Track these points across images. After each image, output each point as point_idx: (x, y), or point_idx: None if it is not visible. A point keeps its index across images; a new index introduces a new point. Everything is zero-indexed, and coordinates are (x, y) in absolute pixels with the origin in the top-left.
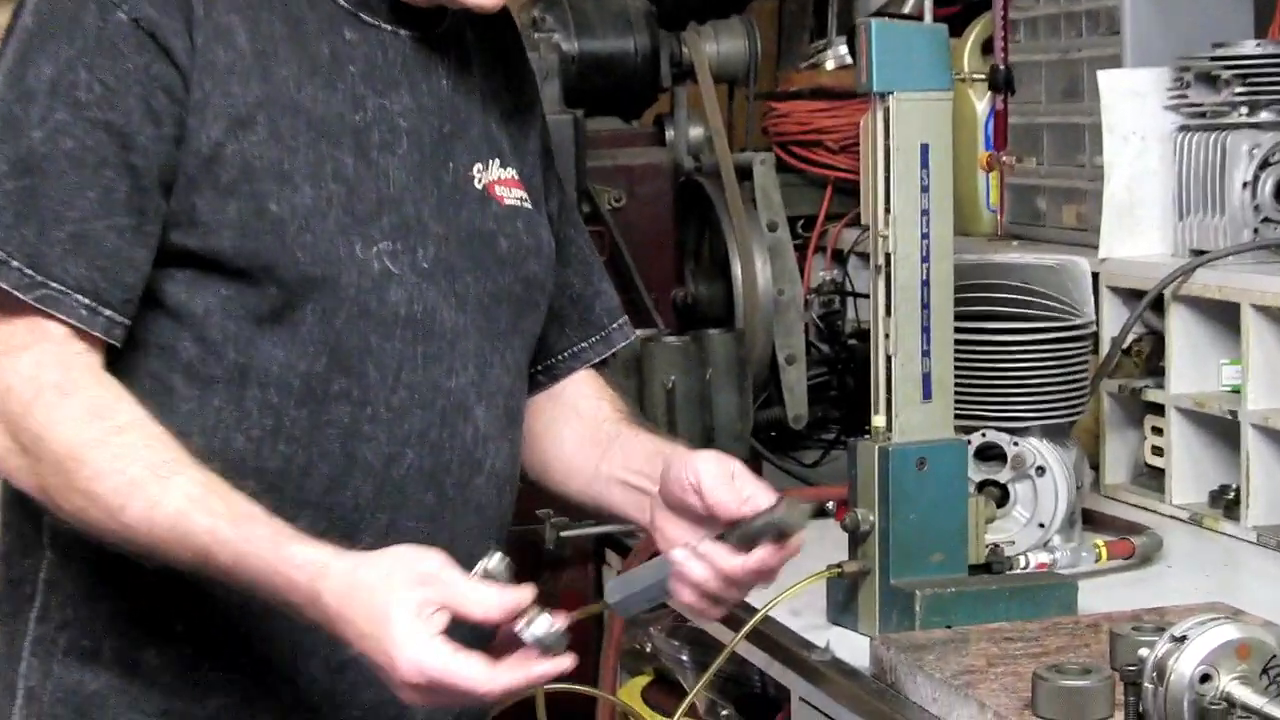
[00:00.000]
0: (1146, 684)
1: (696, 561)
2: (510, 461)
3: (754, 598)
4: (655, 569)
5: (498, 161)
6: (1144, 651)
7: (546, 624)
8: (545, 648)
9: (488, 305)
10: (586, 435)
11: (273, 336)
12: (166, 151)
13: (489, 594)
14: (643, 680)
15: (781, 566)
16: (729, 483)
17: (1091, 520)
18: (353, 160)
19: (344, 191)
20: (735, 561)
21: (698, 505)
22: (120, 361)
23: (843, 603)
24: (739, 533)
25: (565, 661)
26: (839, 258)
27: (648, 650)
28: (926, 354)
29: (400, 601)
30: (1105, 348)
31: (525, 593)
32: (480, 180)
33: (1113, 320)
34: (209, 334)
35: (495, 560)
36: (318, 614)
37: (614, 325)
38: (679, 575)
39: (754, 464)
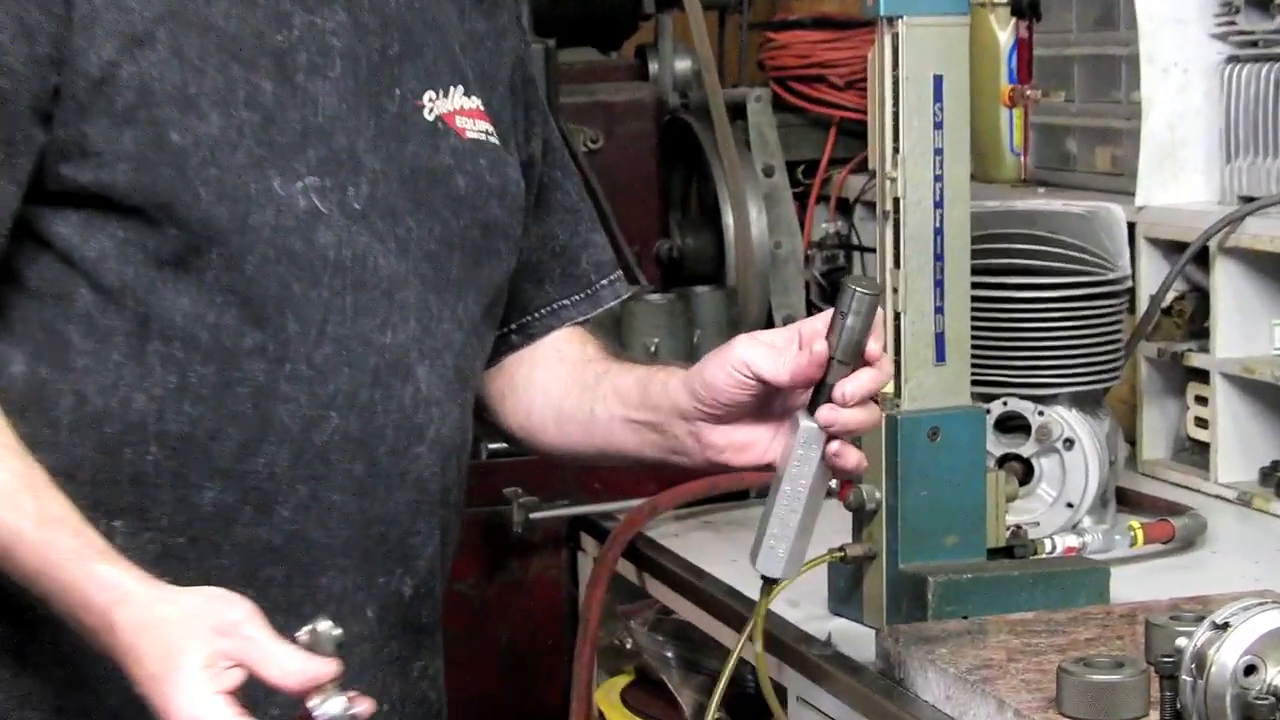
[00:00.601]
0: (1184, 677)
1: (841, 411)
2: (459, 430)
3: (746, 587)
4: (793, 482)
5: (460, 89)
6: (1182, 641)
7: (340, 706)
8: None
9: (435, 251)
10: (573, 379)
11: (176, 284)
12: (42, 75)
13: (291, 659)
14: (622, 681)
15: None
16: (777, 352)
17: (1126, 500)
18: (272, 85)
19: (259, 120)
20: (863, 380)
21: (758, 392)
22: (12, 310)
23: (846, 591)
24: (842, 350)
25: None
26: (844, 208)
27: (628, 647)
28: (940, 311)
29: (194, 649)
30: (1142, 306)
31: (331, 666)
32: (432, 110)
33: (1151, 275)
34: (106, 281)
35: (324, 626)
36: (108, 643)
37: (602, 281)
38: (836, 447)
39: None
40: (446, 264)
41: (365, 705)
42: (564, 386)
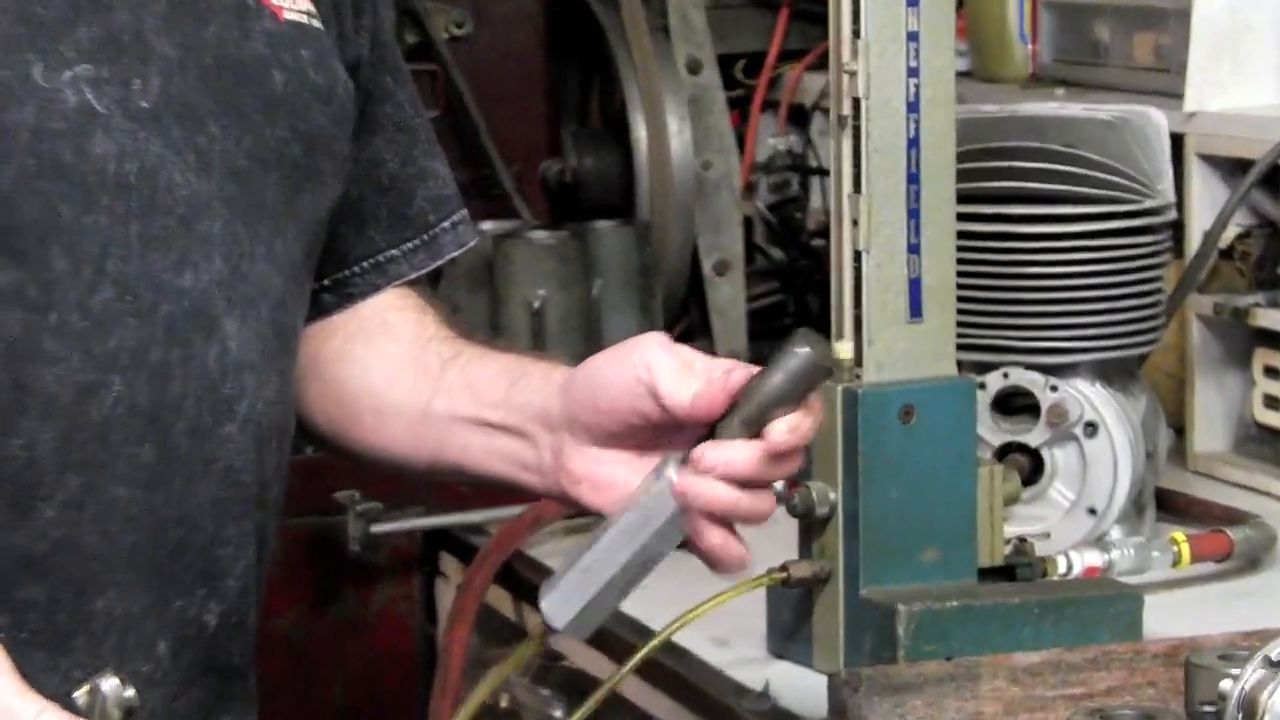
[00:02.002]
0: None
1: (705, 480)
2: (280, 404)
3: (652, 618)
4: (620, 536)
5: None
6: (1227, 684)
7: None
8: None
9: (246, 169)
10: (406, 362)
11: None
12: None
13: (34, 713)
14: None
15: (809, 440)
16: (691, 370)
17: (1170, 505)
18: None
19: None
20: (750, 450)
21: (652, 413)
22: None
23: (790, 624)
24: (744, 410)
25: None
26: (798, 117)
27: (502, 705)
28: (915, 250)
29: None
30: (1193, 246)
31: None
32: None
33: (1205, 205)
34: None
35: (110, 685)
36: None
37: (443, 224)
38: (695, 517)
39: None
40: (260, 186)
41: None
42: (392, 370)
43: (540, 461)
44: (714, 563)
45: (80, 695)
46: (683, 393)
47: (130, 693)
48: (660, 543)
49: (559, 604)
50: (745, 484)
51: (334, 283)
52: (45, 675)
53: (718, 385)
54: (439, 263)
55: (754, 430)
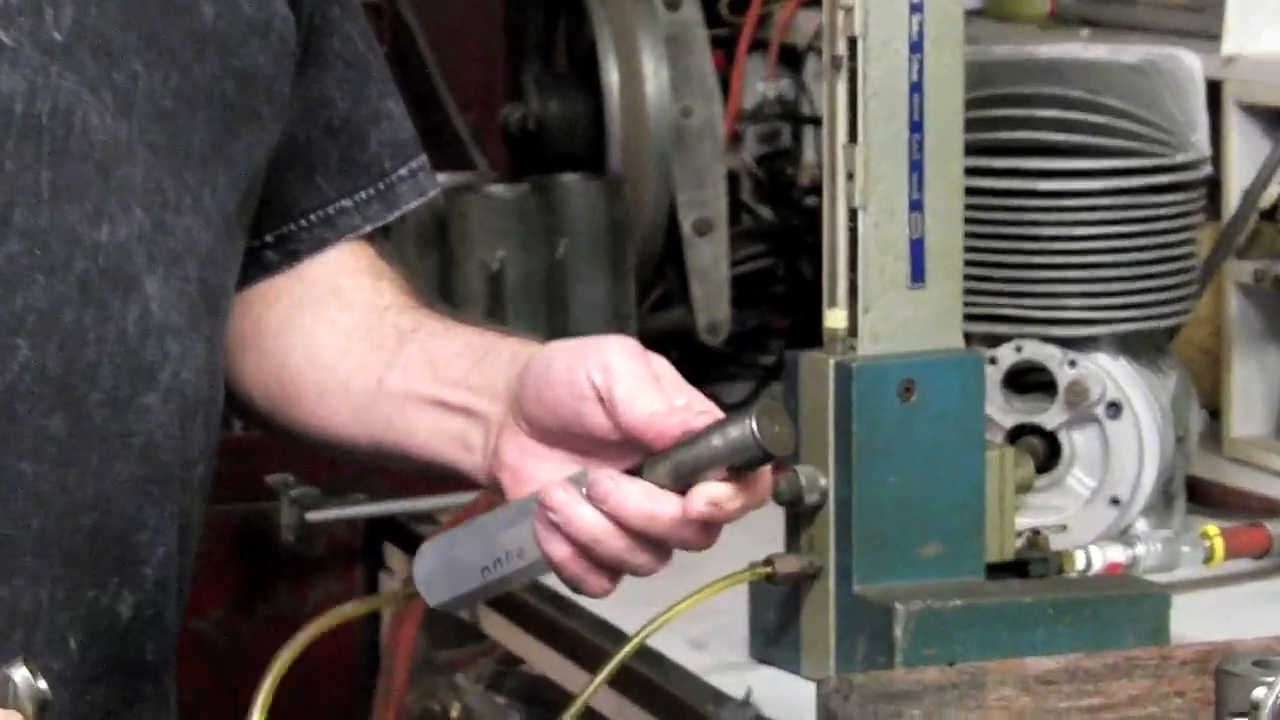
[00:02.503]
0: None
1: (580, 503)
2: (207, 372)
3: (624, 619)
4: (505, 517)
5: None
6: (1260, 693)
7: None
8: None
9: (171, 110)
10: (359, 331)
11: None
12: None
13: None
14: None
15: (738, 517)
16: (656, 386)
17: (1202, 495)
18: None
19: None
20: (649, 503)
21: (599, 424)
22: None
23: (775, 626)
24: (676, 457)
25: None
26: (790, 59)
27: (453, 715)
28: (918, 208)
29: None
30: (1231, 205)
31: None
32: None
33: (1244, 160)
34: None
35: (21, 676)
36: None
37: (400, 171)
38: (553, 524)
39: None
40: (187, 129)
41: None
42: (342, 342)
43: (486, 443)
44: (566, 579)
45: None
46: (640, 408)
47: (43, 684)
48: (517, 548)
49: (430, 565)
50: (633, 534)
51: (278, 239)
52: None
53: (677, 416)
54: (396, 214)
55: (680, 484)
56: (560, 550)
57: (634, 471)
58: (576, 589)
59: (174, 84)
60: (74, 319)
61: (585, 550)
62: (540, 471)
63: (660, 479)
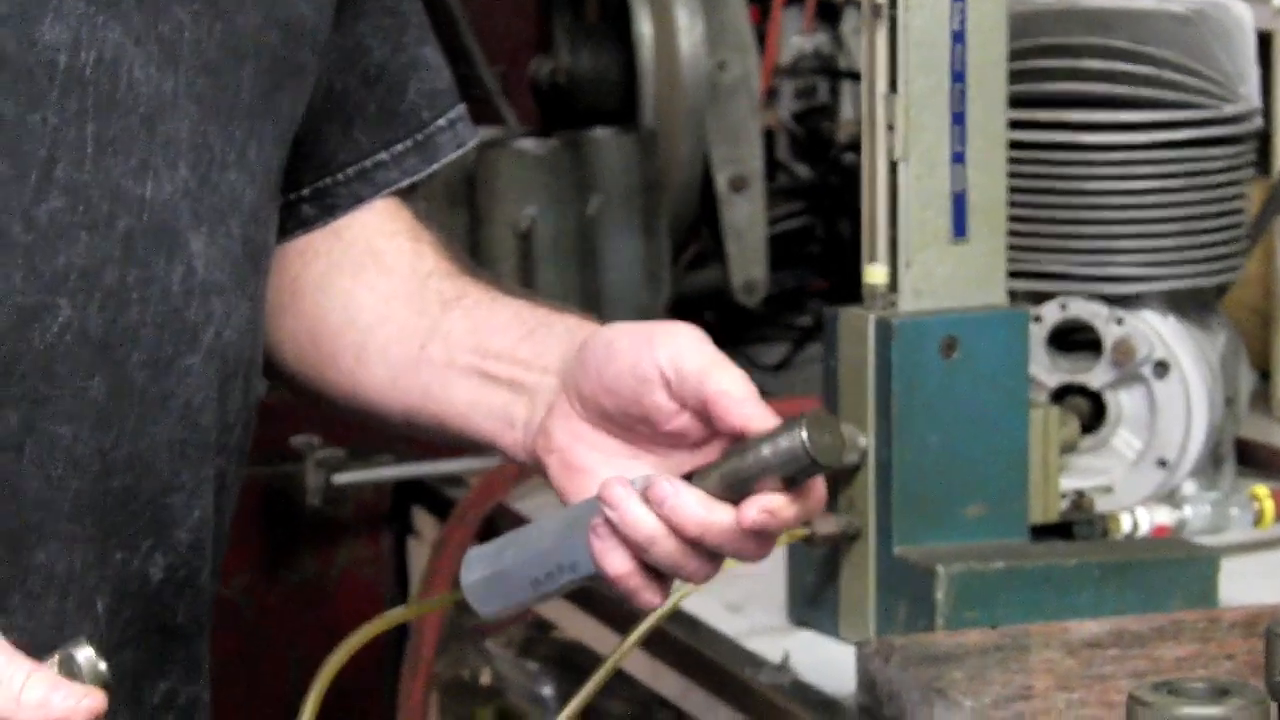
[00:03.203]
0: None
1: (641, 504)
2: (249, 332)
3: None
4: (554, 528)
5: None
6: None
7: None
8: None
9: (217, 62)
10: (401, 297)
11: None
12: None
13: (22, 679)
14: None
15: (794, 526)
16: (732, 378)
17: (1252, 457)
18: None
19: None
20: (705, 511)
21: (661, 406)
22: None
23: (813, 589)
24: (727, 466)
25: None
26: (828, 12)
27: (483, 681)
28: (960, 160)
29: None
30: None
31: (93, 699)
32: None
33: None
34: None
35: (85, 656)
36: None
37: (439, 121)
38: (605, 531)
39: None
40: (233, 82)
41: None
42: (382, 308)
43: (530, 418)
44: (620, 591)
45: (51, 665)
46: (712, 383)
47: (103, 666)
48: (572, 555)
49: (480, 568)
50: (690, 542)
51: (314, 192)
52: None
53: (750, 401)
54: (434, 167)
55: (732, 493)
56: (617, 563)
57: (685, 475)
58: (630, 600)
59: (219, 35)
60: (116, 278)
61: (639, 553)
62: (590, 459)
63: (712, 488)
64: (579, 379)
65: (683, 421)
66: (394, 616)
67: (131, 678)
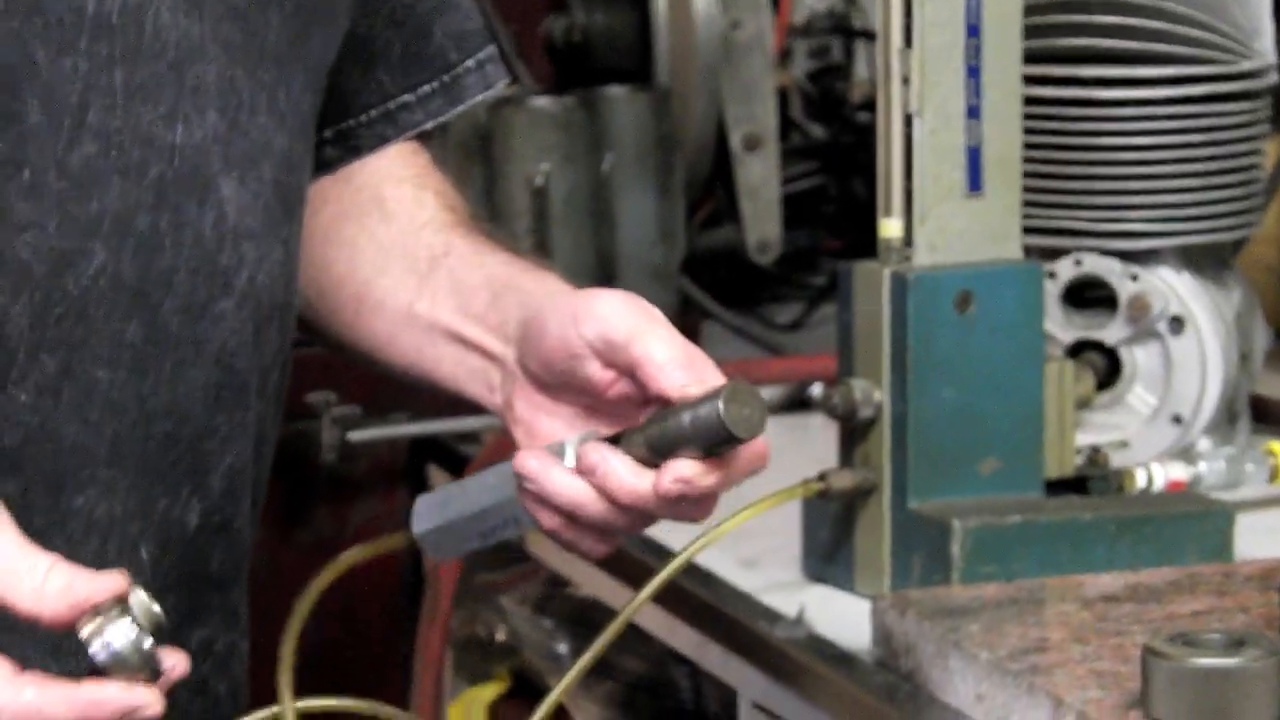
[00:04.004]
0: None
1: (562, 472)
2: (283, 276)
3: (670, 536)
4: (496, 482)
5: None
6: None
7: (125, 636)
8: (123, 668)
9: (243, 7)
10: (396, 248)
11: None
12: None
13: (44, 571)
14: (491, 690)
15: (716, 495)
16: (658, 342)
17: (1267, 413)
18: None
19: None
20: (634, 479)
21: (600, 377)
22: None
23: (828, 543)
24: (650, 432)
25: (148, 698)
26: None
27: (498, 638)
28: (975, 114)
29: None
30: None
31: (112, 581)
32: None
33: None
34: None
35: (139, 600)
36: None
37: (466, 63)
38: (534, 495)
39: (688, 321)
40: (260, 27)
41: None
42: (380, 259)
43: (502, 386)
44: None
45: (106, 608)
46: (639, 349)
47: (158, 608)
48: (508, 506)
49: (426, 514)
50: (616, 505)
51: (337, 134)
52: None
53: (678, 381)
54: (460, 109)
55: (658, 457)
56: (549, 519)
57: (617, 435)
58: (571, 550)
59: None
60: (149, 223)
61: (570, 517)
62: (550, 427)
63: (638, 452)
64: (524, 355)
65: (622, 387)
66: (348, 558)
67: (170, 625)
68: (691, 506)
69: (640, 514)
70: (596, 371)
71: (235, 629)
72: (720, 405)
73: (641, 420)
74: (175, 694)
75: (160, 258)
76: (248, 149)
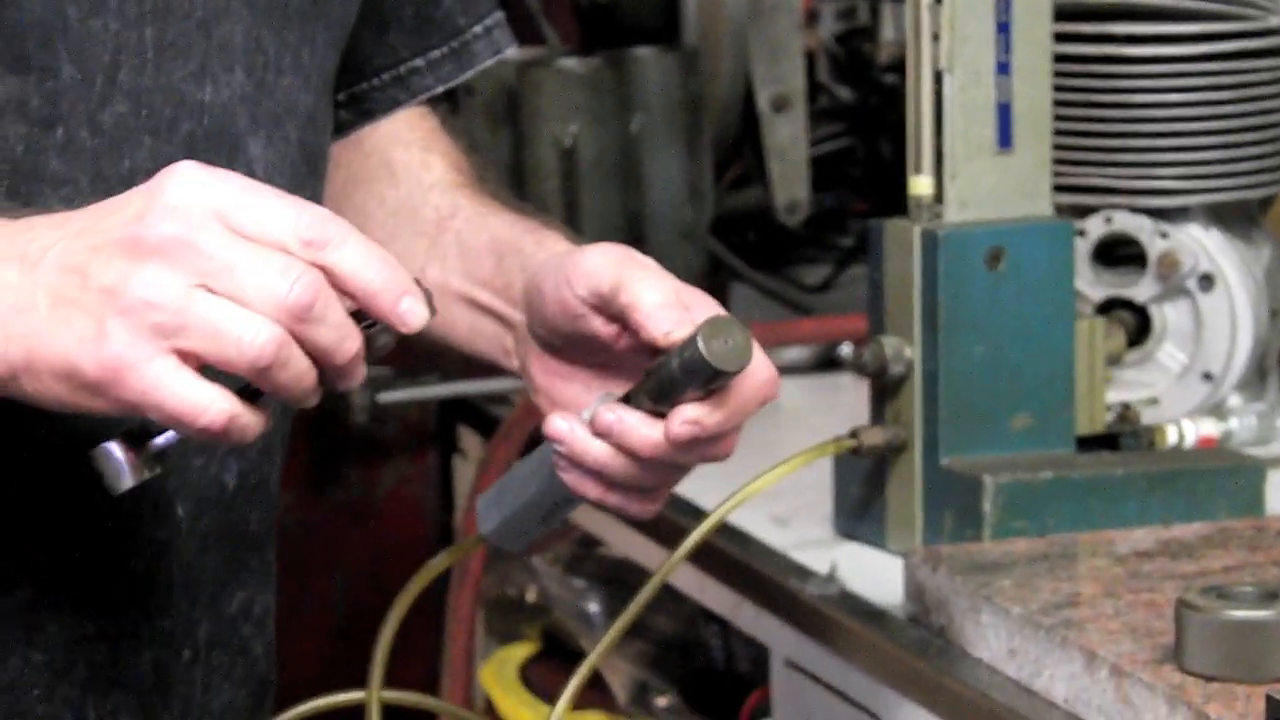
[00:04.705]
0: None
1: (586, 433)
2: None
3: (702, 495)
4: (539, 466)
5: None
6: None
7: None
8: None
9: None
10: (404, 212)
11: None
12: None
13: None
14: (521, 651)
15: (733, 429)
16: (643, 287)
17: None
18: None
19: None
20: (648, 430)
21: (604, 332)
22: None
23: (859, 500)
24: (649, 384)
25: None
26: None
27: (529, 599)
28: (1005, 70)
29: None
30: None
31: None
32: None
33: None
34: None
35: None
36: None
37: (475, 29)
38: (566, 464)
39: (716, 281)
40: None
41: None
42: (390, 223)
43: (518, 351)
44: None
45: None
46: (632, 297)
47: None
48: (555, 487)
49: (490, 509)
50: (643, 461)
51: (350, 97)
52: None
53: (668, 323)
54: (469, 74)
55: (663, 406)
56: (587, 487)
57: (626, 399)
58: (622, 514)
59: None
60: None
61: (601, 477)
62: (570, 391)
63: (646, 406)
64: (530, 322)
65: (628, 339)
66: (436, 566)
67: (211, 586)
68: (710, 446)
69: (666, 466)
70: (600, 327)
71: (269, 589)
72: (700, 343)
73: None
74: (216, 656)
75: None
76: (273, 108)
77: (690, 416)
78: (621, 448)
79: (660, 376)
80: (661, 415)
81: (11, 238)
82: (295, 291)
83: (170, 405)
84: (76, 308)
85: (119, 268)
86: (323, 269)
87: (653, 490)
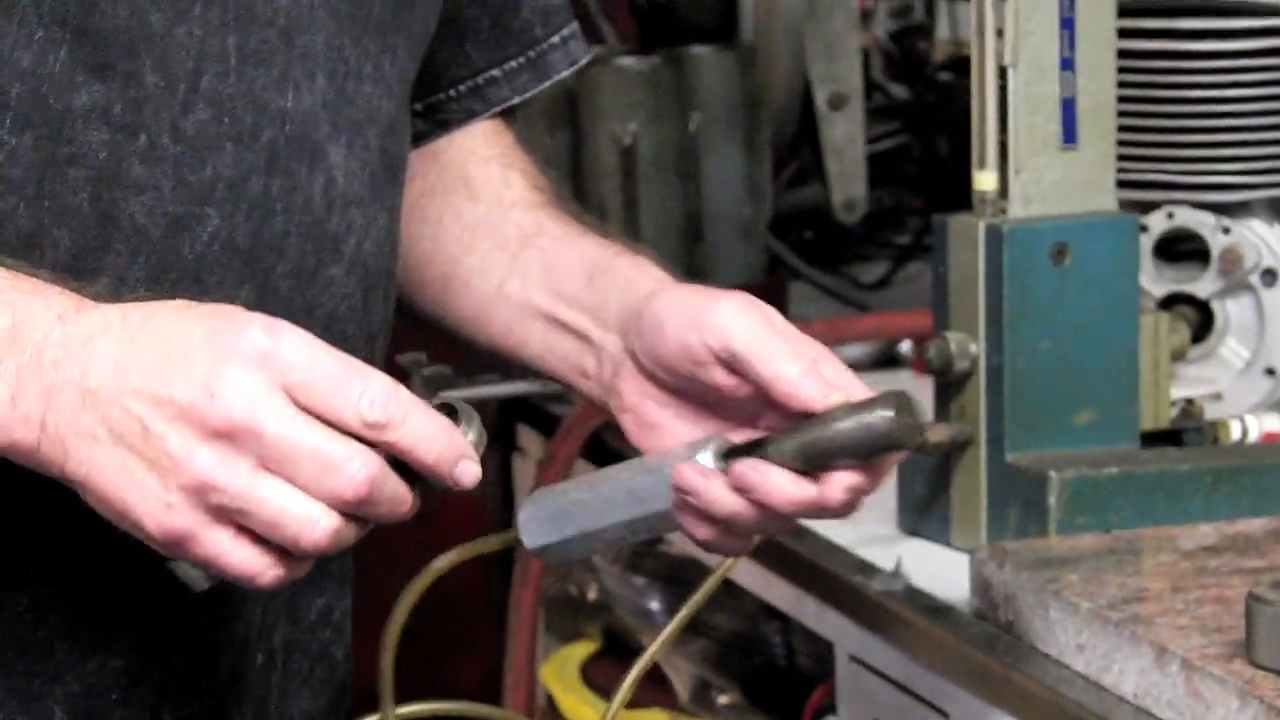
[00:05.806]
0: None
1: (723, 487)
2: (388, 243)
3: None
4: (627, 497)
5: None
6: None
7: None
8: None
9: None
10: (483, 227)
11: None
12: None
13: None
14: (582, 649)
15: (867, 496)
16: (781, 341)
17: None
18: None
19: None
20: (797, 490)
21: (723, 383)
22: None
23: (925, 497)
24: (799, 442)
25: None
26: None
27: (590, 597)
28: (1069, 66)
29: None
30: None
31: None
32: None
33: None
34: None
35: (459, 396)
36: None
37: (551, 39)
38: (688, 504)
39: (774, 279)
40: None
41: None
42: (468, 238)
43: (600, 373)
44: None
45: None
46: (768, 367)
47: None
48: (656, 521)
49: (535, 518)
50: (768, 512)
51: (426, 107)
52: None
53: (812, 379)
54: (546, 84)
55: (808, 465)
56: (703, 531)
57: (758, 443)
58: (716, 553)
59: None
60: (261, 188)
61: (726, 527)
62: (662, 416)
63: (788, 460)
64: (638, 352)
65: (747, 392)
66: (439, 566)
67: (289, 591)
68: (845, 509)
69: (789, 518)
70: (721, 378)
71: (347, 595)
72: (892, 418)
73: (762, 423)
74: (296, 662)
75: (272, 222)
76: (354, 116)
77: (852, 484)
78: (760, 503)
79: (819, 439)
80: (801, 474)
81: (67, 348)
82: (354, 487)
83: (229, 569)
84: (138, 457)
85: (183, 439)
86: (385, 444)
87: (752, 537)
